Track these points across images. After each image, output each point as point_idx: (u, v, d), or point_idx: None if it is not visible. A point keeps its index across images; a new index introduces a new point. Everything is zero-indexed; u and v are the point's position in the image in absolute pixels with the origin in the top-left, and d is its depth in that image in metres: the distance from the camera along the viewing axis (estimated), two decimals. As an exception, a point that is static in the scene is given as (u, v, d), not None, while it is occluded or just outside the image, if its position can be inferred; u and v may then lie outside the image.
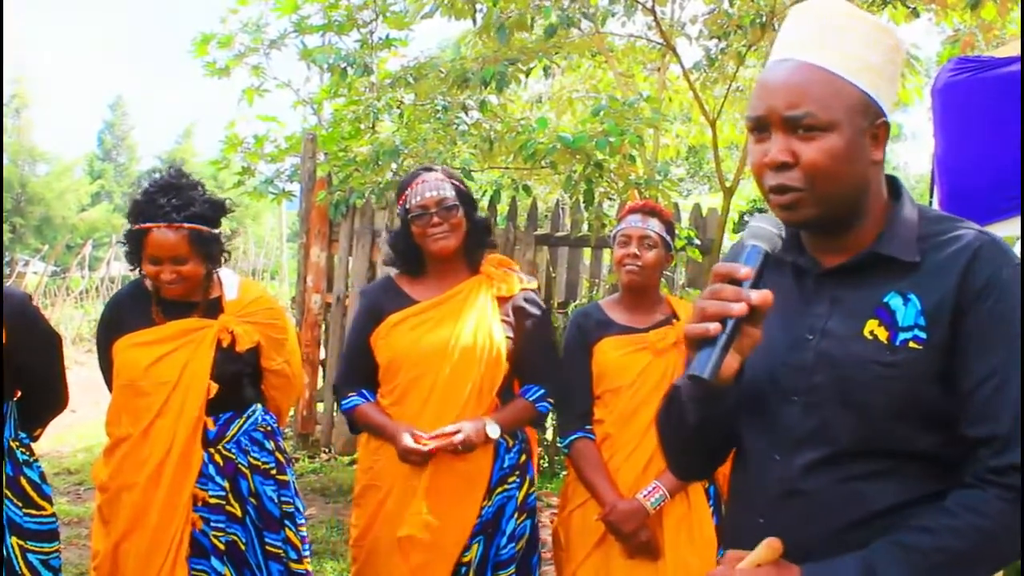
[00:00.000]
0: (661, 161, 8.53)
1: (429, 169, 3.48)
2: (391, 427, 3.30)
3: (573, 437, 3.40)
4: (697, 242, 6.51)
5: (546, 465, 7.63)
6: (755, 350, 1.66)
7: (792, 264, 1.82)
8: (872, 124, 1.69)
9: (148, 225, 3.22)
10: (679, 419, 1.83)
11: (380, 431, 3.34)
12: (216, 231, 3.36)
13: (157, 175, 3.39)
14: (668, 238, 3.44)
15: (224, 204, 3.41)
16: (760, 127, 1.70)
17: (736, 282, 1.60)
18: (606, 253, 7.98)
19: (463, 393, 3.31)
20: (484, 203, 7.57)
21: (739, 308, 1.56)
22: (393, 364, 3.37)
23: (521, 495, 3.42)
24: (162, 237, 3.21)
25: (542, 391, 3.42)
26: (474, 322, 3.35)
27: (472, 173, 7.47)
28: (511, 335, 3.42)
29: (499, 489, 3.37)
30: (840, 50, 1.67)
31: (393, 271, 3.57)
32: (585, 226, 7.26)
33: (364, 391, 3.42)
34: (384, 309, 3.42)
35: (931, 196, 3.98)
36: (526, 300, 3.49)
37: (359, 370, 3.46)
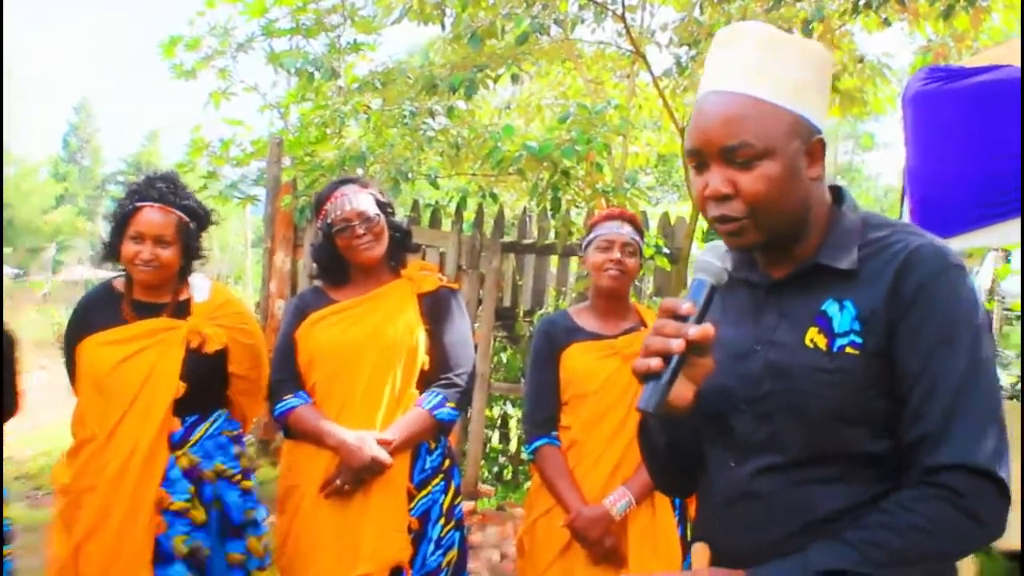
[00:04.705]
0: (630, 169, 8.53)
1: (345, 182, 3.51)
2: (336, 434, 3.26)
3: (538, 443, 3.38)
4: (666, 251, 6.48)
5: (510, 477, 7.59)
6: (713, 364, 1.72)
7: (746, 280, 1.87)
8: (806, 142, 1.73)
9: (142, 204, 3.27)
10: (653, 442, 1.95)
11: (318, 438, 3.29)
12: (200, 231, 3.41)
13: (151, 172, 3.45)
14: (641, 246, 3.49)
15: (211, 214, 3.47)
16: (698, 159, 1.74)
17: (680, 317, 1.64)
18: (573, 261, 7.96)
19: (384, 389, 3.32)
20: (451, 209, 7.54)
21: (678, 345, 1.61)
22: (313, 361, 3.38)
23: (446, 501, 3.40)
24: (152, 215, 3.27)
25: (441, 396, 3.37)
26: (392, 317, 3.38)
27: (438, 179, 7.44)
28: (430, 327, 3.44)
29: (422, 493, 3.34)
30: (770, 77, 1.70)
31: (319, 283, 3.62)
32: (552, 234, 7.24)
33: (301, 392, 3.39)
34: (308, 308, 3.46)
35: (901, 205, 3.98)
36: (445, 293, 3.53)
37: (293, 370, 3.43)
